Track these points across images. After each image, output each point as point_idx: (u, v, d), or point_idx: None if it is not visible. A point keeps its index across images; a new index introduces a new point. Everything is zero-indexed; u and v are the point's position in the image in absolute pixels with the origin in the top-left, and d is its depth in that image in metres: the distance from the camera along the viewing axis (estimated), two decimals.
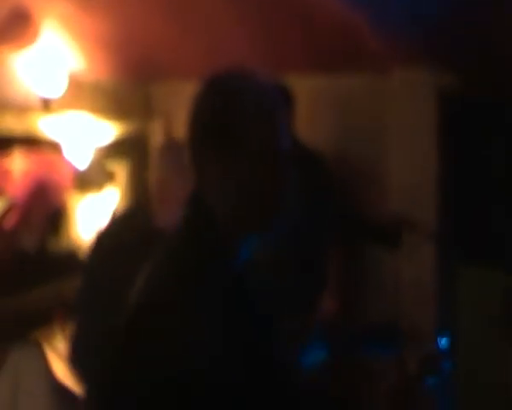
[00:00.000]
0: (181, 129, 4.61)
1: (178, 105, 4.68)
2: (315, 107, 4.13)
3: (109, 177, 4.52)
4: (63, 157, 4.18)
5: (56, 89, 3.98)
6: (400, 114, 3.83)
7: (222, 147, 1.44)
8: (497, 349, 3.22)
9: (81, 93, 4.28)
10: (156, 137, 4.73)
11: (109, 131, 4.53)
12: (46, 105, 3.96)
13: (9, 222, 3.83)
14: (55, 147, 4.13)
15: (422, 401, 2.04)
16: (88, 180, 4.31)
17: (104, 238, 2.89)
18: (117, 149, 4.50)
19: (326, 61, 3.97)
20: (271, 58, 3.93)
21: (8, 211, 3.80)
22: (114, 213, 3.32)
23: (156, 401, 1.33)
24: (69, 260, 3.96)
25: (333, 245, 3.58)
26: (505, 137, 3.55)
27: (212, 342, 1.33)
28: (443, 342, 1.93)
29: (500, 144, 3.54)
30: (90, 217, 4.25)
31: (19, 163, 3.87)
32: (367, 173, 4.04)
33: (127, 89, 4.72)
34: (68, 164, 4.22)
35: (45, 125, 4.03)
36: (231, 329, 1.38)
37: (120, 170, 4.48)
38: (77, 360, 2.80)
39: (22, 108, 3.90)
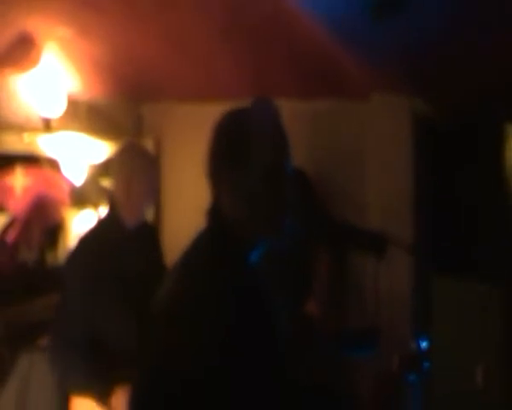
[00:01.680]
0: (170, 147, 4.76)
1: (168, 125, 4.96)
2: (298, 129, 4.24)
3: (104, 193, 4.42)
4: (61, 174, 4.23)
5: (56, 109, 4.04)
6: (378, 137, 4.01)
7: (236, 168, 1.67)
8: (466, 355, 3.30)
9: (78, 113, 4.35)
10: None
11: (104, 149, 4.59)
12: (46, 124, 4.04)
13: (11, 236, 3.87)
14: (53, 164, 4.17)
15: (402, 396, 2.22)
16: (84, 196, 4.36)
17: (84, 247, 2.94)
18: (108, 168, 4.36)
19: (309, 86, 4.13)
20: (258, 83, 4.06)
21: (9, 225, 3.85)
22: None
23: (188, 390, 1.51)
24: None
25: (320, 253, 3.73)
26: (475, 160, 3.76)
27: (234, 325, 1.53)
28: (422, 343, 2.04)
29: (470, 167, 3.75)
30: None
31: (20, 180, 3.90)
32: (346, 192, 4.20)
33: (121, 109, 4.79)
34: (66, 181, 4.26)
35: (44, 144, 4.09)
36: (249, 315, 1.59)
37: None
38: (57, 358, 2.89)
39: (23, 127, 3.96)
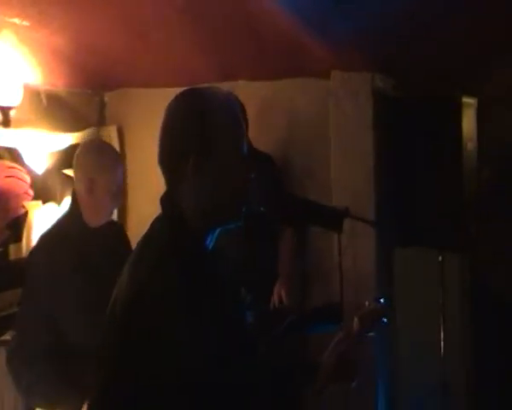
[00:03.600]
0: (134, 135, 4.85)
1: (132, 112, 5.16)
2: (262, 110, 4.39)
3: (68, 182, 4.40)
4: (22, 166, 4.28)
5: (14, 99, 4.10)
6: (339, 114, 4.17)
7: (200, 152, 1.69)
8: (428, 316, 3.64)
9: (38, 103, 4.42)
10: (110, 142, 4.64)
11: (66, 139, 4.63)
12: (5, 115, 4.11)
13: None
14: (13, 156, 4.23)
15: (363, 350, 2.38)
16: (47, 187, 4.44)
17: (46, 244, 2.94)
18: (72, 156, 4.32)
19: (272, 68, 4.27)
20: (222, 67, 4.27)
21: None
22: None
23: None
24: None
25: (283, 232, 3.95)
26: (431, 130, 4.00)
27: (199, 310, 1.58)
28: (382, 301, 2.09)
29: (424, 137, 4.00)
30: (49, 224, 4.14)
31: None
32: (310, 171, 4.38)
33: (82, 98, 4.87)
34: (27, 172, 4.30)
35: (3, 135, 4.12)
36: (210, 299, 1.64)
37: None
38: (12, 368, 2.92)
39: None
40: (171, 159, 1.75)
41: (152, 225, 1.78)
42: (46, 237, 3.01)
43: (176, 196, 1.76)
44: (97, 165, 2.93)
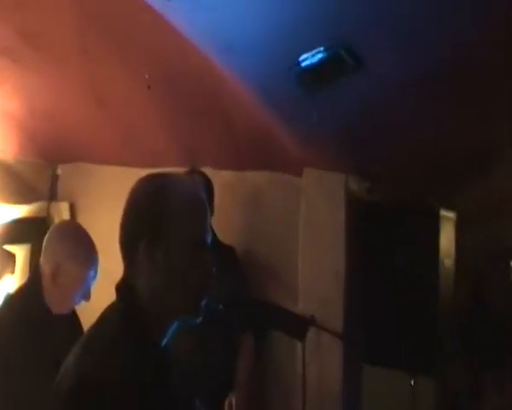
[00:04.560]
0: (86, 213, 4.77)
1: (85, 189, 5.06)
2: (227, 200, 4.29)
3: (10, 260, 4.50)
4: None
5: None
6: (309, 214, 4.17)
7: (152, 239, 1.70)
8: None
9: None
10: (60, 218, 4.80)
11: (11, 212, 4.57)
12: None
13: None
14: None
15: None
16: None
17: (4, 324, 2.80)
18: (18, 232, 4.53)
19: (242, 159, 4.31)
20: (187, 152, 4.27)
21: None
22: (7, 296, 3.18)
23: None
24: None
25: (242, 339, 3.85)
26: (405, 242, 4.00)
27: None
28: None
29: (401, 248, 3.98)
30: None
31: None
32: (276, 271, 4.32)
33: (34, 170, 4.83)
34: None
35: None
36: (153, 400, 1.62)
37: (21, 253, 4.47)
38: None
39: None
40: (124, 243, 1.76)
41: (103, 312, 1.77)
42: (4, 316, 2.91)
43: (131, 281, 1.74)
44: (68, 252, 2.87)
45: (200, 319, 1.78)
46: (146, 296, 1.73)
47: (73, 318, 3.16)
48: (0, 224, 4.52)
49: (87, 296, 2.96)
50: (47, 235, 2.94)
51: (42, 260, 2.90)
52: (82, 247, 2.94)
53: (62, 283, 2.85)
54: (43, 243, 2.94)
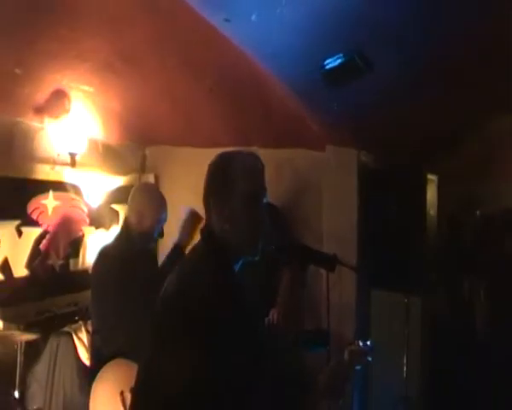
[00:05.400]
0: (167, 182, 4.79)
1: (165, 164, 5.09)
2: (270, 172, 4.33)
3: (115, 215, 4.58)
4: (82, 199, 4.31)
5: (79, 147, 4.14)
6: (331, 180, 4.14)
7: (219, 196, 1.75)
8: (395, 345, 3.55)
9: (96, 152, 4.44)
10: None
11: (114, 181, 4.69)
12: (72, 159, 4.11)
13: (43, 245, 3.94)
14: (76, 191, 4.25)
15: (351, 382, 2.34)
16: (99, 217, 4.43)
17: (103, 258, 2.90)
18: (119, 195, 4.59)
19: (279, 139, 4.26)
20: (239, 135, 4.23)
21: (42, 237, 3.92)
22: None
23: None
24: (85, 277, 3.78)
25: (284, 269, 3.84)
26: (400, 198, 3.97)
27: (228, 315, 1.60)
28: (367, 342, 2.00)
29: (397, 203, 3.95)
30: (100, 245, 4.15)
31: (51, 202, 3.99)
32: (306, 223, 4.28)
33: (129, 150, 4.88)
34: (86, 204, 4.34)
35: (70, 175, 4.18)
36: (236, 309, 1.66)
37: (122, 210, 4.48)
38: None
39: (55, 161, 4.06)
40: (203, 200, 1.80)
41: (192, 248, 1.83)
42: (104, 253, 2.97)
43: (210, 227, 1.78)
44: (147, 202, 2.90)
45: (258, 257, 1.80)
46: (220, 237, 1.75)
47: (153, 254, 3.27)
48: (107, 190, 4.59)
49: (161, 234, 3.00)
50: (131, 194, 2.97)
51: (128, 212, 2.93)
52: (156, 199, 2.97)
53: (144, 226, 2.86)
54: (128, 200, 2.97)
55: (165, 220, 2.99)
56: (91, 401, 2.83)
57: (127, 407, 2.73)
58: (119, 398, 2.77)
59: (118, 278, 2.76)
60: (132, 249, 2.90)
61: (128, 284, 2.77)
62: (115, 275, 2.77)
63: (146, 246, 2.98)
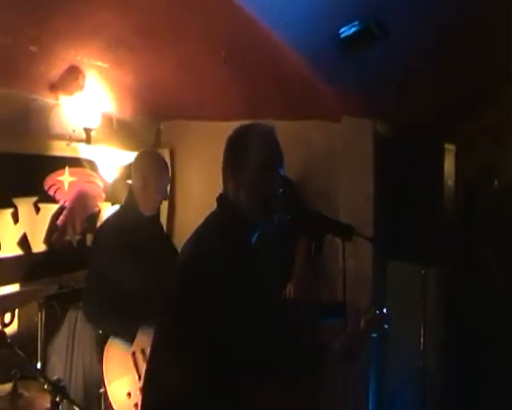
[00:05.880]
0: (182, 156, 4.82)
1: (180, 138, 5.08)
2: (285, 143, 4.29)
3: None
4: (98, 174, 4.32)
5: (94, 122, 4.14)
6: (347, 151, 4.10)
7: (235, 166, 1.83)
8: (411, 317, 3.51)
9: (111, 127, 4.44)
10: None
11: (130, 155, 4.48)
12: (87, 135, 4.13)
13: (60, 220, 3.96)
14: (92, 166, 4.26)
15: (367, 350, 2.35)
16: (114, 192, 4.42)
17: (110, 226, 3.06)
18: None
19: (295, 111, 4.22)
20: (253, 107, 4.18)
21: (59, 212, 3.94)
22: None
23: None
24: None
25: (300, 240, 3.84)
26: (419, 169, 3.93)
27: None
28: (385, 311, 2.04)
29: (415, 173, 3.90)
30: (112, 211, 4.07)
31: (67, 177, 4.00)
32: (322, 194, 4.24)
33: (143, 125, 4.86)
34: (101, 179, 4.36)
35: (86, 150, 4.17)
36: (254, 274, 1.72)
37: None
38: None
39: (71, 137, 4.06)
40: (222, 171, 1.87)
41: (208, 215, 1.86)
42: (110, 219, 3.15)
43: (226, 195, 1.84)
44: (150, 167, 3.01)
45: (273, 226, 1.85)
46: (236, 206, 1.81)
47: (158, 220, 3.39)
48: (123, 165, 4.57)
49: (166, 197, 3.16)
50: (133, 162, 3.11)
51: (132, 180, 3.07)
52: (159, 164, 3.10)
53: (148, 190, 2.98)
54: (132, 168, 3.13)
55: (168, 183, 3.14)
56: (104, 362, 2.94)
57: (139, 367, 2.90)
58: (130, 358, 2.91)
59: (124, 246, 2.89)
60: (138, 216, 3.03)
61: (132, 252, 2.90)
62: (121, 241, 2.90)
63: (150, 210, 3.08)
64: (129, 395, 2.89)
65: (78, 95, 3.92)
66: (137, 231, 2.97)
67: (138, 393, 2.84)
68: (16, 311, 3.44)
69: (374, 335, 2.04)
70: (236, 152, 1.84)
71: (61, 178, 4.01)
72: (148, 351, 2.73)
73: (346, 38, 2.88)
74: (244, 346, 1.60)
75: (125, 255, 2.90)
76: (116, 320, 2.89)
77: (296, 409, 1.95)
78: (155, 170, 3.03)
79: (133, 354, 2.91)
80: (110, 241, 2.94)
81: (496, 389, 3.73)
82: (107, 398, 2.90)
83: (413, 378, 3.49)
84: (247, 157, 1.80)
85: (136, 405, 2.87)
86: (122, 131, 4.59)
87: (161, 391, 1.66)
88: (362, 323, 2.02)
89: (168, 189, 3.20)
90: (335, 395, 2.36)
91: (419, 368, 3.45)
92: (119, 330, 2.93)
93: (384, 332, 2.07)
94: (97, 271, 2.98)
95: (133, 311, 2.88)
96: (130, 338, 2.91)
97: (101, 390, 2.96)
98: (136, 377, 2.90)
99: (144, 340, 2.84)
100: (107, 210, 4.40)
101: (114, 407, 2.89)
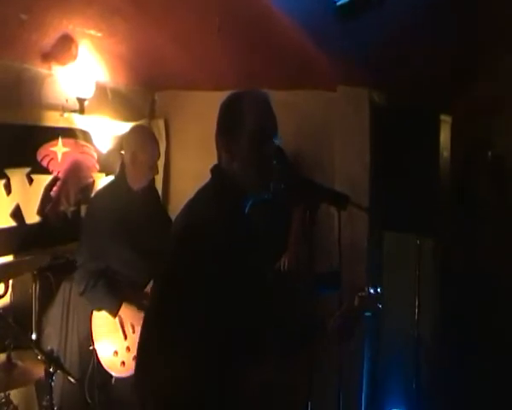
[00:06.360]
0: (177, 127, 4.80)
1: (175, 108, 5.04)
2: (280, 113, 4.29)
3: None
4: (92, 145, 4.30)
5: (87, 92, 4.10)
6: (343, 121, 4.07)
7: (228, 136, 1.78)
8: (406, 286, 3.55)
9: (105, 97, 4.40)
10: (158, 131, 4.85)
11: (124, 126, 4.56)
12: (81, 105, 4.09)
13: (54, 192, 3.95)
14: (86, 137, 4.23)
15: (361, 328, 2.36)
16: (108, 163, 4.41)
17: (100, 200, 3.14)
18: None
19: (290, 80, 4.19)
20: (248, 76, 4.09)
21: (52, 184, 3.92)
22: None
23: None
24: None
25: (294, 210, 3.81)
26: (415, 140, 3.89)
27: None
28: (377, 289, 2.05)
29: (411, 144, 3.86)
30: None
31: (60, 148, 3.98)
32: (317, 165, 4.22)
33: (138, 95, 4.83)
34: (95, 150, 4.33)
35: (79, 121, 4.14)
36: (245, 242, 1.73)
37: None
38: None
39: (64, 107, 4.02)
40: (215, 139, 1.82)
41: (202, 186, 1.83)
42: (101, 192, 3.24)
43: (220, 165, 1.81)
44: (139, 143, 3.06)
45: (268, 195, 1.82)
46: (230, 175, 1.78)
47: (152, 191, 3.39)
48: (117, 135, 4.53)
49: (155, 171, 3.18)
50: (124, 136, 3.19)
51: (124, 154, 3.11)
52: (149, 139, 3.16)
53: (137, 165, 3.03)
54: (123, 143, 3.21)
55: (157, 158, 3.17)
56: (92, 324, 3.06)
57: (124, 328, 3.01)
58: (117, 320, 3.02)
59: (112, 220, 2.95)
60: (128, 189, 3.08)
61: (121, 226, 2.96)
62: (110, 215, 2.96)
63: (139, 184, 3.11)
64: (116, 353, 3.00)
65: (71, 64, 3.88)
66: (127, 206, 3.02)
67: (125, 351, 2.96)
68: (10, 282, 3.44)
69: (367, 313, 2.06)
70: (230, 119, 1.80)
71: (54, 148, 3.98)
72: (132, 321, 2.96)
73: (343, 5, 2.83)
74: (235, 315, 1.60)
75: (113, 233, 2.96)
76: (101, 295, 2.97)
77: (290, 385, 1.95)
78: (144, 146, 3.07)
79: (119, 316, 3.01)
80: (99, 216, 3.00)
81: (489, 358, 3.76)
82: (96, 355, 3.04)
83: (408, 348, 3.52)
84: (242, 124, 1.76)
85: (123, 363, 2.99)
86: (116, 101, 4.55)
87: (155, 360, 1.64)
88: (355, 301, 2.03)
89: (157, 164, 3.22)
90: (330, 368, 2.37)
91: (413, 338, 3.48)
92: (104, 304, 3.02)
93: (378, 311, 2.08)
94: (87, 246, 3.05)
95: (119, 287, 2.97)
96: (114, 313, 3.01)
97: (91, 347, 3.09)
98: (123, 337, 3.01)
99: (128, 313, 2.97)
100: (101, 181, 4.39)
101: (103, 364, 3.03)
